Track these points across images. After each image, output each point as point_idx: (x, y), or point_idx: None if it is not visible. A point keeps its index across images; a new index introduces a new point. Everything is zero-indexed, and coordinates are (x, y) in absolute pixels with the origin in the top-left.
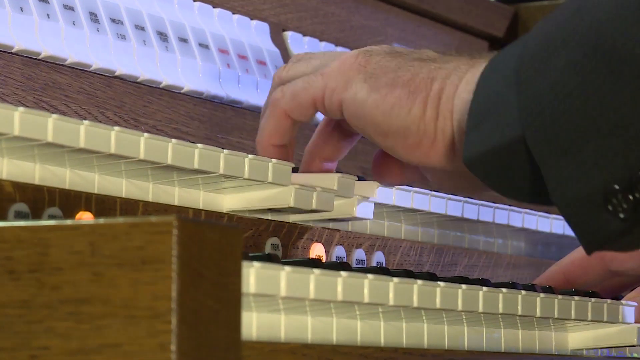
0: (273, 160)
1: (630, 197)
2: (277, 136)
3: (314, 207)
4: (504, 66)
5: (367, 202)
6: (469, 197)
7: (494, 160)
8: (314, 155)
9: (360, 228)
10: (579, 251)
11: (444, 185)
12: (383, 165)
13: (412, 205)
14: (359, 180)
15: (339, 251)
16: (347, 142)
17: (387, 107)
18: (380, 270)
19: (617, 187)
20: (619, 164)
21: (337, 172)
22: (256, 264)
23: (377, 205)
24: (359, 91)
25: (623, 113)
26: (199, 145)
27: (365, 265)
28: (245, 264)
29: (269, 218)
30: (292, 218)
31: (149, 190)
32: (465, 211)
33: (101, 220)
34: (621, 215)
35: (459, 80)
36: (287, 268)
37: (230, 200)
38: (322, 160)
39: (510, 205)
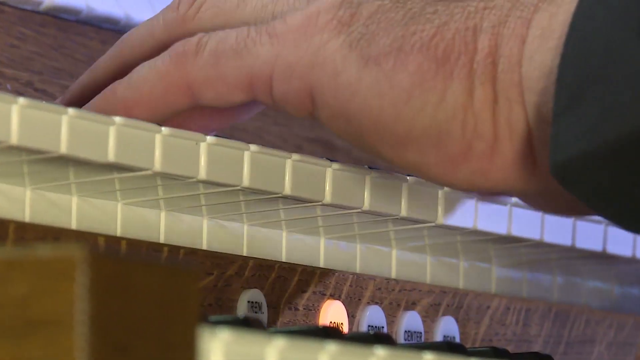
0: (251, 146)
1: None
2: (150, 112)
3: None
4: None
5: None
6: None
7: (604, 166)
8: None
9: (413, 273)
10: None
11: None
12: None
13: (510, 229)
14: (370, 168)
15: (373, 315)
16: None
17: (399, 93)
18: (448, 347)
19: None
20: None
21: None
22: (224, 332)
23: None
24: (343, 67)
25: None
26: (117, 119)
27: (422, 341)
28: (207, 333)
29: (244, 254)
30: None
31: (26, 200)
32: (609, 240)
33: None
34: None
35: (524, 27)
36: (280, 341)
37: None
38: None
39: None
